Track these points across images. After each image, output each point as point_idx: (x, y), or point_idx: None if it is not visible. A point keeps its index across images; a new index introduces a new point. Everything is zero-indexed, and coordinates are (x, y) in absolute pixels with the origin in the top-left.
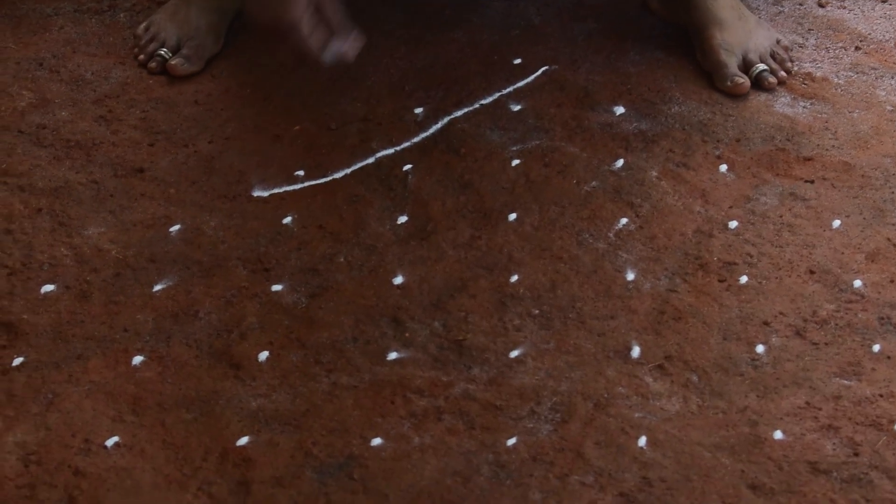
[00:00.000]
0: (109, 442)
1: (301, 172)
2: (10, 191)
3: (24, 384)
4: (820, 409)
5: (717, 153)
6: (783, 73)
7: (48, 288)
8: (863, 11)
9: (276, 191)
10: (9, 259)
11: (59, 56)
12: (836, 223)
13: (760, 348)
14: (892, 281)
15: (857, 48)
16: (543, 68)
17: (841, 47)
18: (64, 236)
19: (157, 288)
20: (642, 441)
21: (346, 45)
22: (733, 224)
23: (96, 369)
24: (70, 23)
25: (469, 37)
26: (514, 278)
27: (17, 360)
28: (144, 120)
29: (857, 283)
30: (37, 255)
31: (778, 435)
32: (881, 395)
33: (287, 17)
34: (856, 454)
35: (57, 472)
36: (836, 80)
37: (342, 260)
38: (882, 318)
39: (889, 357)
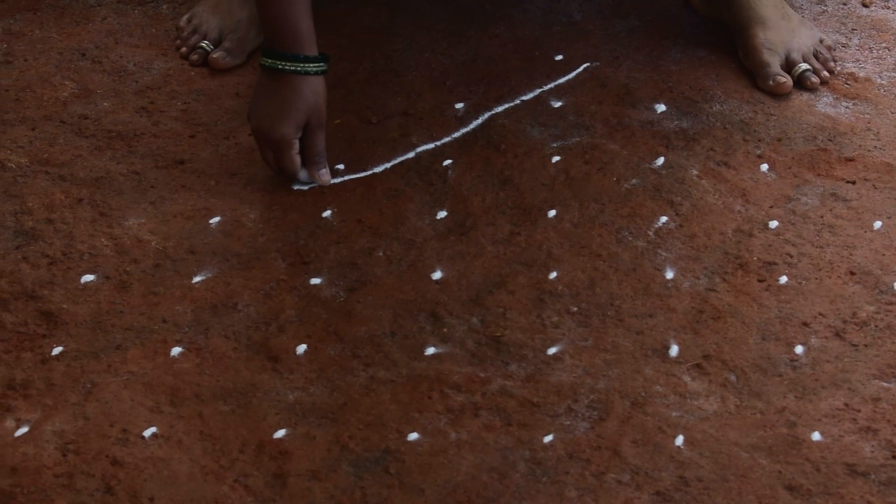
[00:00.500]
0: (147, 432)
1: (341, 166)
2: (52, 180)
3: (63, 373)
4: (859, 410)
5: (759, 152)
6: (826, 73)
7: (88, 278)
8: None
9: (315, 184)
10: (49, 248)
11: (102, 47)
12: (878, 224)
13: (799, 349)
14: None
15: None
16: (585, 65)
17: (884, 47)
18: (104, 226)
19: (197, 279)
20: (679, 440)
21: (319, 174)
22: (774, 224)
23: (135, 360)
24: (113, 13)
25: (510, 32)
26: (553, 275)
27: (57, 350)
28: (186, 111)
29: None
30: (77, 245)
31: (816, 436)
32: None
33: (280, 130)
34: (894, 456)
35: (95, 461)
36: (879, 80)
37: (381, 254)
38: None
39: None
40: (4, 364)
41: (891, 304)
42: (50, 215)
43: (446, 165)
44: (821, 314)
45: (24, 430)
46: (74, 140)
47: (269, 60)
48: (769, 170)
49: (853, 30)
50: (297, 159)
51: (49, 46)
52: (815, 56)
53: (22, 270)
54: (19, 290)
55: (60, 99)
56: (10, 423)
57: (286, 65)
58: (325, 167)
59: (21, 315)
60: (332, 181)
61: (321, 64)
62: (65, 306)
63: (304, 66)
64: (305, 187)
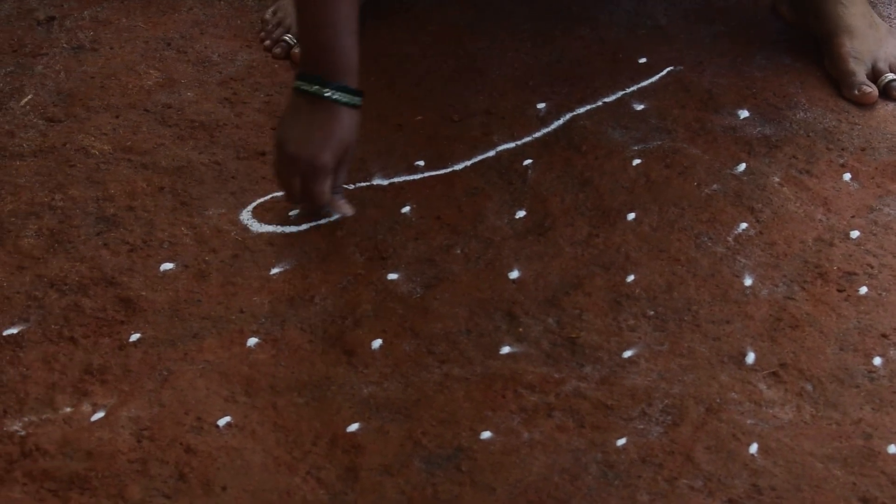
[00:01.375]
0: (221, 421)
1: (421, 162)
2: (135, 168)
3: (139, 360)
4: None
5: (842, 162)
6: None
7: (167, 266)
8: None
9: (395, 180)
10: (130, 236)
11: (187, 37)
12: None
13: (878, 361)
14: None
15: None
16: (668, 69)
17: None
18: (184, 216)
19: (275, 271)
20: (753, 448)
21: (340, 203)
22: (855, 234)
23: (211, 349)
24: (199, 4)
25: (595, 34)
26: (630, 278)
27: (134, 336)
28: (268, 104)
29: None
30: (157, 233)
31: (892, 449)
32: None
33: (323, 158)
34: None
35: (169, 448)
36: None
37: (459, 252)
38: None
39: None
40: (82, 349)
41: None
42: (131, 203)
43: (526, 165)
44: None
45: (100, 414)
46: (157, 129)
47: (315, 87)
48: (852, 179)
49: None
50: (330, 189)
51: (135, 35)
52: None
53: (102, 257)
54: (99, 276)
55: (145, 88)
56: (86, 407)
57: (335, 94)
58: (343, 198)
59: (100, 301)
60: (412, 177)
61: (360, 98)
62: (143, 293)
63: (351, 98)
64: (322, 220)
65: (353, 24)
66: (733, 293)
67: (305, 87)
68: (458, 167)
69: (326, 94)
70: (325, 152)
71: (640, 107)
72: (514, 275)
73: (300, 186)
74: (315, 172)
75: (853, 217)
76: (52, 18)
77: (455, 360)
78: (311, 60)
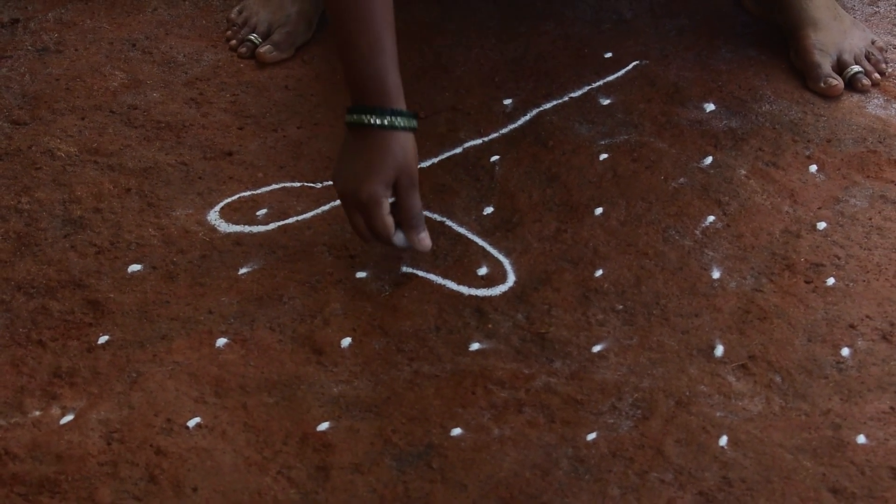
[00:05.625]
0: (191, 422)
1: None
2: (101, 170)
3: (108, 362)
4: None
5: (808, 153)
6: (877, 75)
7: (135, 267)
8: None
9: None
10: (97, 238)
11: (152, 37)
12: None
13: (846, 351)
14: None
15: None
16: (634, 63)
17: None
18: (152, 217)
19: (243, 271)
20: (723, 440)
21: (419, 238)
22: (822, 225)
23: (180, 350)
24: (163, 4)
25: (560, 29)
26: (599, 273)
27: (103, 339)
28: (234, 103)
29: None
30: (125, 235)
31: (861, 439)
32: None
33: (367, 189)
34: None
35: (139, 450)
36: None
37: None
38: None
39: None
40: (51, 352)
41: None
42: (98, 205)
43: (493, 161)
44: (868, 317)
45: (69, 417)
46: (123, 130)
47: (355, 116)
48: (818, 171)
49: None
50: (390, 220)
51: (100, 36)
52: (867, 58)
53: (69, 259)
54: (66, 279)
55: (110, 89)
56: (55, 410)
57: (372, 118)
58: (423, 230)
59: (68, 303)
60: None
61: (411, 119)
62: (111, 295)
63: (391, 120)
64: (404, 254)
65: (395, 49)
66: (701, 286)
67: (349, 118)
68: (424, 164)
69: (367, 121)
70: (369, 183)
71: (606, 101)
72: (483, 271)
73: (362, 223)
74: (365, 206)
75: (820, 208)
76: (17, 21)
77: (425, 357)
78: (354, 94)
